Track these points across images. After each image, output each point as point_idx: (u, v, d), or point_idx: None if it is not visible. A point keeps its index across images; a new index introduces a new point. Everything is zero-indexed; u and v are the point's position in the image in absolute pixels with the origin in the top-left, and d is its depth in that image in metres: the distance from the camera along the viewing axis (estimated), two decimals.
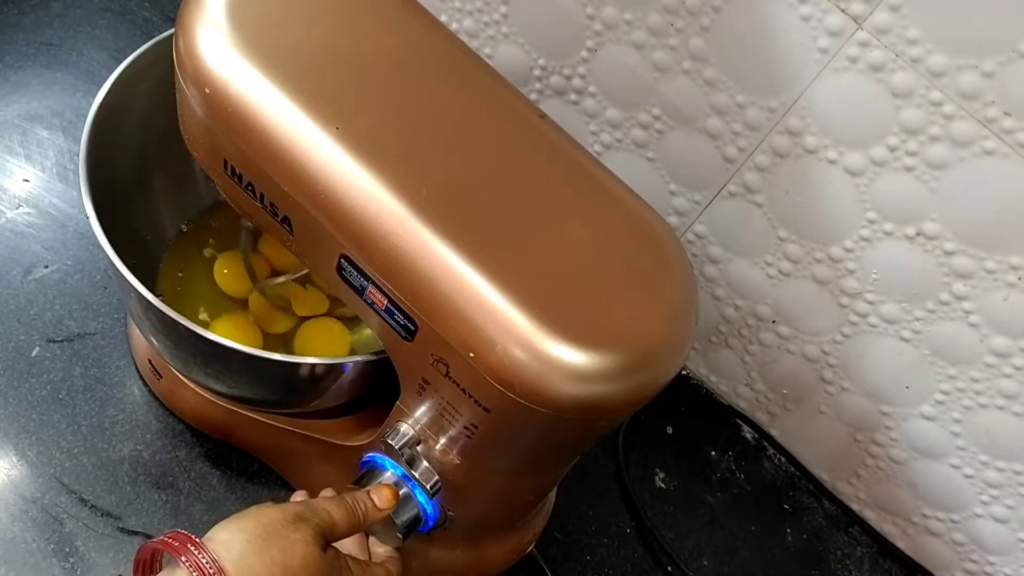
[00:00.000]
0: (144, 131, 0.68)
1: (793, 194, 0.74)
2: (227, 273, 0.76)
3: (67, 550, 0.67)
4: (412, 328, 0.51)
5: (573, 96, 0.81)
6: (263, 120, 0.50)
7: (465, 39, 0.71)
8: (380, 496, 0.58)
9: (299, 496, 0.62)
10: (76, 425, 0.73)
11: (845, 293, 0.76)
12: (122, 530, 0.69)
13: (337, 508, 0.55)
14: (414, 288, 0.49)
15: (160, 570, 0.50)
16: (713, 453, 0.90)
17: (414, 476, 0.58)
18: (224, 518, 0.70)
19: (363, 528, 0.57)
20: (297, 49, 0.53)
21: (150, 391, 0.75)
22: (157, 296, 0.57)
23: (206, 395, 0.69)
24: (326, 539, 0.53)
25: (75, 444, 0.72)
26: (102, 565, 0.67)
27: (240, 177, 0.53)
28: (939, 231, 0.68)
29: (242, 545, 0.49)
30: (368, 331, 0.73)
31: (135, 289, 0.57)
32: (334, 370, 0.59)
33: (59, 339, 0.76)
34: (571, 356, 0.48)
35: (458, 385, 0.51)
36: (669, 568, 0.81)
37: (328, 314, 0.76)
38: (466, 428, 0.53)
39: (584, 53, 0.77)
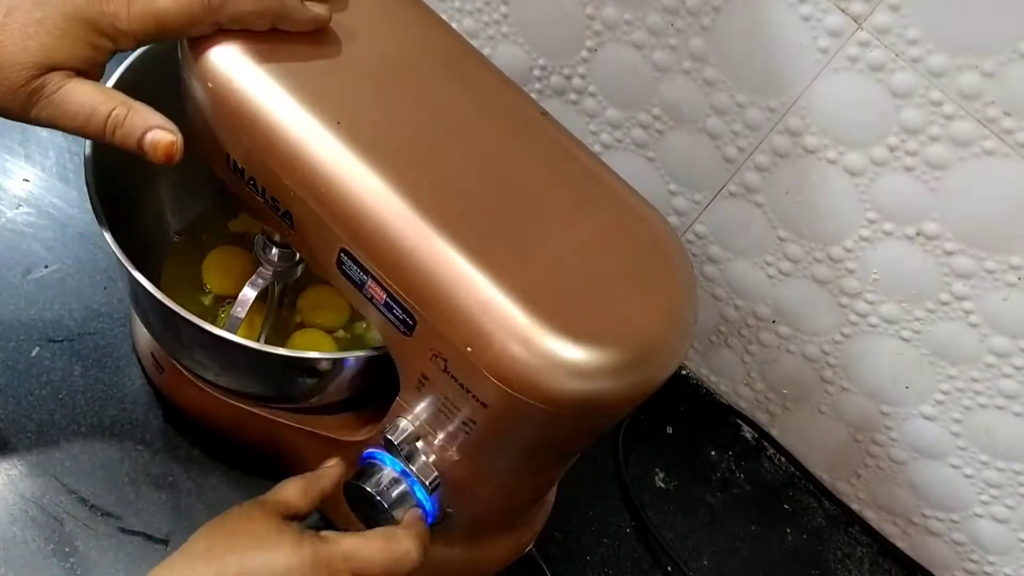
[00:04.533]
0: None
1: (793, 194, 0.74)
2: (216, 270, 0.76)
3: (67, 550, 0.67)
4: (411, 323, 0.51)
5: (573, 96, 0.81)
6: (265, 115, 0.50)
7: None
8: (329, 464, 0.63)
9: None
10: (76, 425, 0.72)
11: (845, 293, 0.76)
12: (122, 530, 0.69)
13: (290, 483, 0.60)
14: (413, 282, 0.49)
15: None
16: (713, 453, 0.90)
17: (413, 472, 0.58)
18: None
19: (322, 491, 0.61)
20: (299, 44, 0.53)
21: (152, 386, 0.75)
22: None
23: (208, 390, 0.69)
24: (288, 513, 0.57)
25: (75, 444, 0.72)
26: (102, 565, 0.67)
27: (242, 172, 0.53)
28: (939, 231, 0.68)
29: (206, 540, 0.54)
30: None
31: (141, 286, 0.57)
32: (336, 365, 0.60)
33: (59, 339, 0.76)
34: (569, 352, 0.48)
35: (456, 380, 0.51)
36: (669, 568, 0.81)
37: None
38: (465, 424, 0.53)
39: (584, 53, 0.78)
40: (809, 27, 0.65)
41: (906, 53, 0.62)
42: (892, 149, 0.66)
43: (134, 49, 0.51)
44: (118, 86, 0.63)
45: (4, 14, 0.47)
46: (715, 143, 0.75)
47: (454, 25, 0.83)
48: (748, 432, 0.92)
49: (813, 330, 0.81)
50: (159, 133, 0.50)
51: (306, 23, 0.53)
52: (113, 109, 0.49)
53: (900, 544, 0.88)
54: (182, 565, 0.52)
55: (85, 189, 0.60)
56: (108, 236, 0.58)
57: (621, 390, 0.50)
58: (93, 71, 0.50)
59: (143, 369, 0.76)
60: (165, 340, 0.67)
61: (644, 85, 0.76)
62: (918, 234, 0.69)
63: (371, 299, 0.52)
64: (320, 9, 0.54)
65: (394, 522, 0.59)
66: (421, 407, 0.56)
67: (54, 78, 0.48)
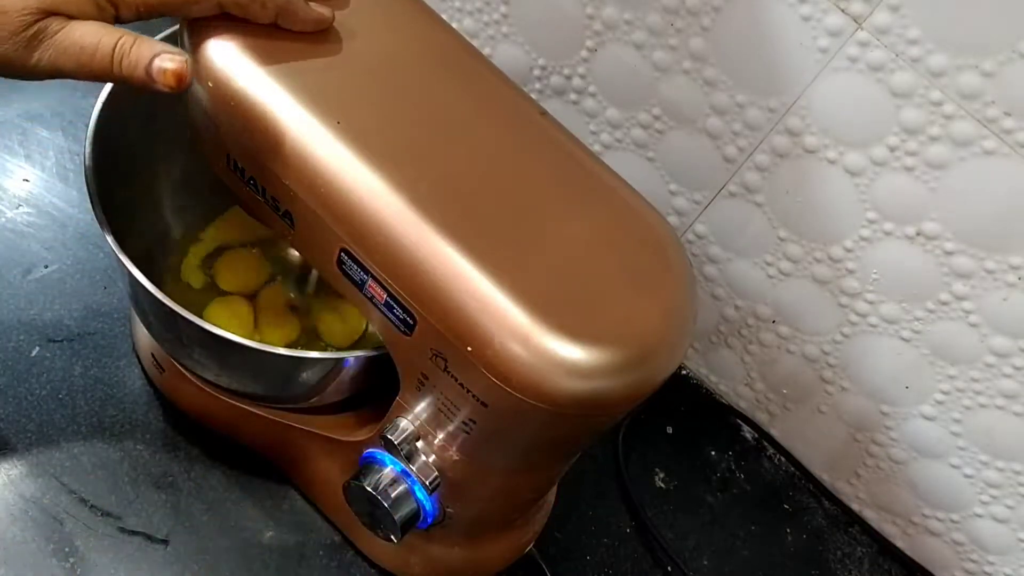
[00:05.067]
0: (147, 128, 0.69)
1: (793, 194, 0.74)
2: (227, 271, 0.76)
3: (67, 550, 0.67)
4: (411, 322, 0.51)
5: (573, 96, 0.81)
6: (265, 114, 0.50)
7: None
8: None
9: None
10: (76, 425, 0.72)
11: (845, 293, 0.76)
12: (122, 530, 0.69)
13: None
14: (413, 282, 0.49)
15: None
16: (713, 453, 0.90)
17: (413, 472, 0.58)
18: (224, 517, 0.71)
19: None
20: (299, 44, 0.53)
21: (152, 386, 0.75)
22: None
23: (208, 390, 0.69)
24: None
25: (75, 444, 0.72)
26: (102, 565, 0.67)
27: (242, 172, 0.54)
28: (939, 231, 0.68)
29: None
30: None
31: (141, 286, 0.57)
32: (336, 365, 0.60)
33: (59, 339, 0.76)
34: (568, 351, 0.48)
35: (456, 379, 0.51)
36: (669, 568, 0.81)
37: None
38: (464, 423, 0.53)
39: (584, 53, 0.78)
40: (809, 27, 0.65)
41: (906, 53, 0.62)
42: (892, 149, 0.66)
43: (134, 21, 0.51)
44: (112, 90, 0.64)
45: None
46: (715, 143, 0.75)
47: (454, 25, 0.83)
48: (748, 432, 0.92)
49: (813, 330, 0.81)
50: (165, 58, 0.48)
51: (308, 23, 0.53)
52: (119, 39, 0.48)
53: (900, 544, 0.88)
54: None
55: (85, 189, 0.60)
56: (108, 236, 0.58)
57: (621, 390, 0.50)
58: None
59: (143, 369, 0.76)
60: (165, 340, 0.67)
61: (644, 85, 0.76)
62: (918, 234, 0.69)
63: (371, 299, 0.52)
64: (324, 10, 0.54)
65: (394, 523, 0.59)
66: (421, 407, 0.56)
67: (56, 20, 0.47)
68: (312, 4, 0.53)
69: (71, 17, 0.48)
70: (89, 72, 0.48)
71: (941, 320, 0.72)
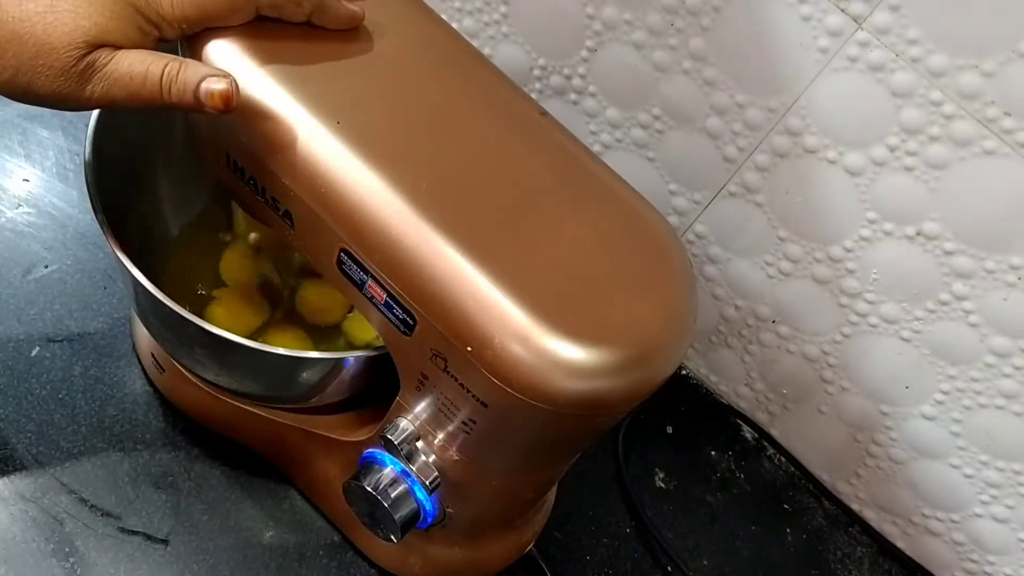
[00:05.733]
0: (147, 128, 0.68)
1: (793, 194, 0.74)
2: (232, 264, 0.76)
3: (67, 550, 0.67)
4: (411, 322, 0.51)
5: (573, 96, 0.81)
6: (265, 114, 0.50)
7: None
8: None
9: None
10: (76, 425, 0.72)
11: (845, 293, 0.76)
12: (122, 530, 0.69)
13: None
14: (413, 282, 0.49)
15: None
16: (713, 453, 0.90)
17: (413, 472, 0.58)
18: (224, 517, 0.71)
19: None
20: (299, 44, 0.53)
21: (152, 386, 0.75)
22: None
23: (208, 390, 0.69)
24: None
25: (75, 444, 0.72)
26: (102, 565, 0.67)
27: (242, 172, 0.53)
28: (939, 231, 0.68)
29: None
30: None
31: (141, 286, 0.57)
32: (336, 365, 0.60)
33: (59, 339, 0.76)
34: (568, 351, 0.48)
35: (456, 380, 0.51)
36: (669, 568, 0.81)
37: None
38: (465, 424, 0.53)
39: (584, 53, 0.78)
40: (809, 27, 0.65)
41: (906, 53, 0.62)
42: (892, 149, 0.66)
43: (178, 38, 0.51)
44: None
45: None
46: (715, 143, 0.75)
47: (454, 25, 0.83)
48: (748, 432, 0.92)
49: (813, 330, 0.81)
50: (212, 81, 0.49)
51: (341, 20, 0.54)
52: (166, 65, 0.48)
53: (900, 544, 0.88)
54: None
55: (85, 189, 0.60)
56: (108, 236, 0.58)
57: (621, 390, 0.50)
58: None
59: (143, 369, 0.76)
60: (165, 340, 0.67)
61: (644, 85, 0.76)
62: (918, 234, 0.69)
63: (371, 299, 0.52)
64: (356, 8, 0.54)
65: (394, 523, 0.59)
66: (421, 407, 0.56)
67: (104, 52, 0.47)
68: (344, 1, 0.54)
69: (117, 46, 0.48)
70: (140, 100, 0.49)
71: (941, 320, 0.72)
